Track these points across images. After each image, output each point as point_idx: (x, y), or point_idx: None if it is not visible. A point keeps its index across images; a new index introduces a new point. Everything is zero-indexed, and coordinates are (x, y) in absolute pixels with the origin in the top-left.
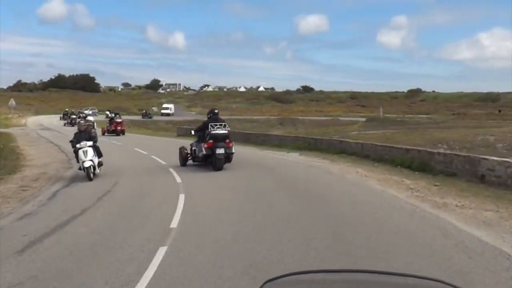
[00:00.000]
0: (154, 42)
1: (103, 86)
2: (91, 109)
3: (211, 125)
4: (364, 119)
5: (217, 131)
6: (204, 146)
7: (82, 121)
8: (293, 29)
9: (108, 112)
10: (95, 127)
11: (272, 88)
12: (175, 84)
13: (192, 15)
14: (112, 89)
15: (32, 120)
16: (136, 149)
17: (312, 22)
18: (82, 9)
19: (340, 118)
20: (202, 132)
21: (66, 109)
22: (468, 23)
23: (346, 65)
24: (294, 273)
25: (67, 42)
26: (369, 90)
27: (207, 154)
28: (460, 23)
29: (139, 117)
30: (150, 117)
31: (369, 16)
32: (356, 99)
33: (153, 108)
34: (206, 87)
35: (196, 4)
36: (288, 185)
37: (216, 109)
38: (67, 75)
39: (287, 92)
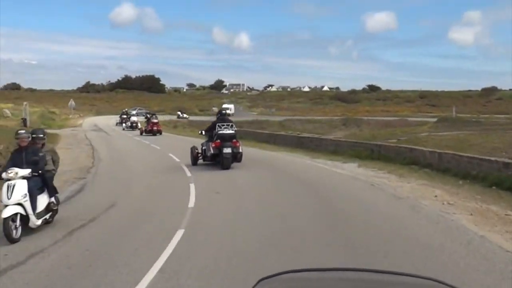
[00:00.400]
0: (219, 43)
1: (168, 87)
2: (139, 109)
3: (218, 125)
4: (434, 120)
5: (224, 131)
6: (212, 145)
7: (22, 131)
8: (359, 28)
9: (179, 113)
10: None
11: (337, 88)
12: (239, 85)
13: (257, 16)
14: (177, 90)
15: (90, 121)
16: (170, 154)
17: (379, 20)
18: (151, 12)
19: (409, 119)
20: (211, 132)
21: (125, 109)
22: None
23: (415, 64)
24: (288, 272)
25: (136, 45)
26: (440, 89)
27: (214, 153)
28: None
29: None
30: None
31: (440, 12)
32: (425, 98)
33: (213, 108)
34: (270, 87)
35: (261, 4)
36: (331, 221)
37: (224, 110)
38: (133, 76)
39: (352, 91)
